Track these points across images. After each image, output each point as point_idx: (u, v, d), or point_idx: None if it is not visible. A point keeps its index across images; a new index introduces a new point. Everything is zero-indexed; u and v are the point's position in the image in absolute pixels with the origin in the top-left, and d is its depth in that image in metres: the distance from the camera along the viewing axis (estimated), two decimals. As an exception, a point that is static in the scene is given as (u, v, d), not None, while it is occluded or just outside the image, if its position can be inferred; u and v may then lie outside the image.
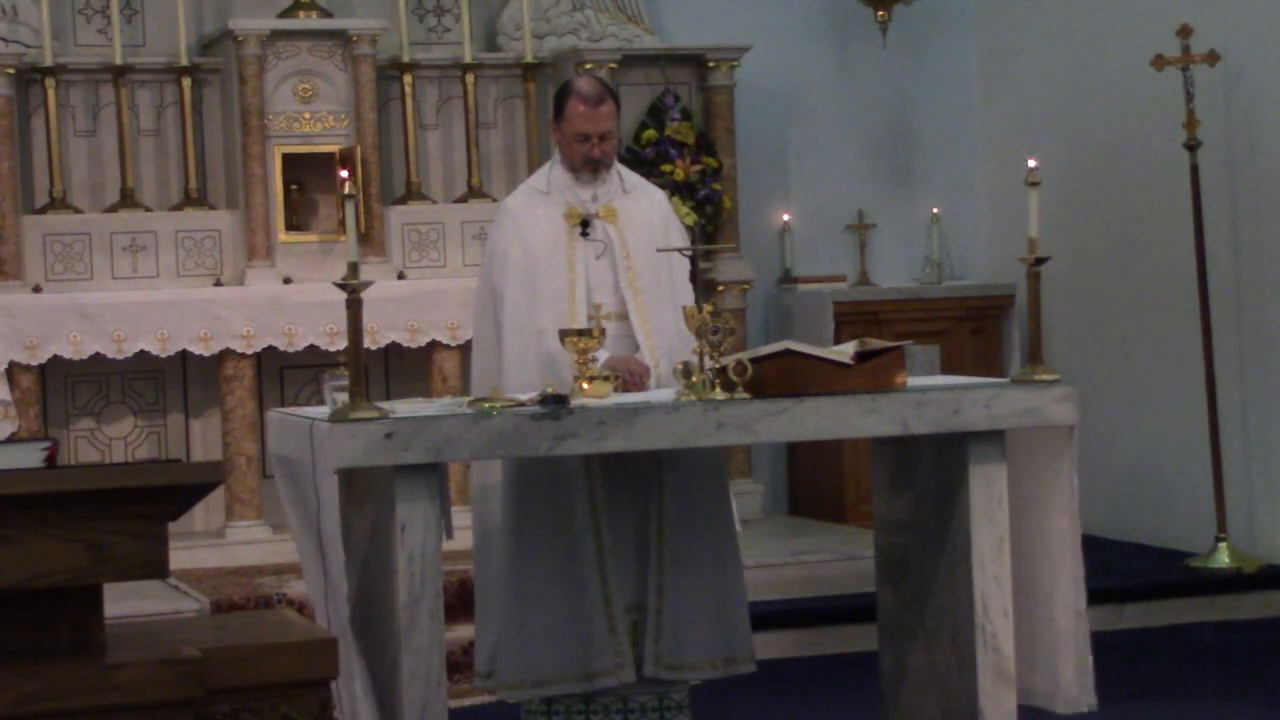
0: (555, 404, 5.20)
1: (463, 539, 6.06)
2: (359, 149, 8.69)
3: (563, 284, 5.86)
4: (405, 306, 8.58)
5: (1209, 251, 8.43)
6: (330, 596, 5.33)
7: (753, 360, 5.34)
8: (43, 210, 8.59)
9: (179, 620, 6.68)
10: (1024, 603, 5.60)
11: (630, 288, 5.90)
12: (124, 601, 6.40)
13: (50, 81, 8.54)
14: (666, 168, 9.11)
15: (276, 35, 8.70)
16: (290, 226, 8.74)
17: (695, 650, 5.84)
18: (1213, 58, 8.47)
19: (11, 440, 7.79)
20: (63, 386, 8.59)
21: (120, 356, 8.31)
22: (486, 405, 5.25)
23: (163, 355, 8.37)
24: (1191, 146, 8.44)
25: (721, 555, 5.92)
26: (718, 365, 5.31)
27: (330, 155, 8.73)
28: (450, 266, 8.96)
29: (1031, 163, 5.56)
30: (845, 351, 5.43)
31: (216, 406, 8.56)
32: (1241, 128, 8.58)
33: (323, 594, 5.44)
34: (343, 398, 5.16)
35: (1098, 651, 7.14)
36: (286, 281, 8.61)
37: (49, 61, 8.52)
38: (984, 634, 5.45)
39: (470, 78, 9.07)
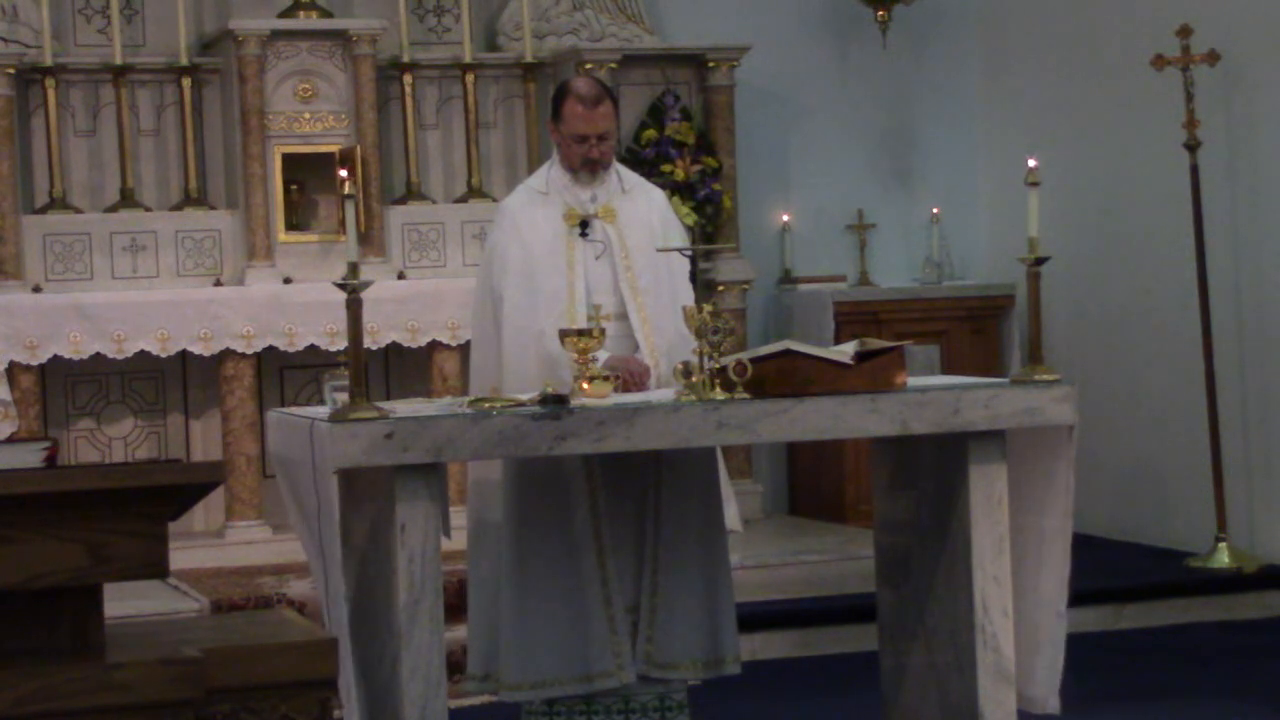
0: (555, 404, 5.20)
1: (461, 539, 6.05)
2: (359, 149, 8.69)
3: (562, 285, 5.85)
4: (405, 306, 8.58)
5: (1209, 251, 8.43)
6: (329, 597, 5.33)
7: (753, 360, 5.34)
8: (43, 210, 8.60)
9: (179, 620, 6.67)
10: (1013, 602, 5.59)
11: (630, 288, 5.89)
12: (124, 601, 6.38)
13: (50, 81, 8.54)
14: (666, 168, 9.11)
15: (276, 35, 8.70)
16: (290, 226, 8.75)
17: (684, 650, 5.84)
18: (1213, 58, 8.47)
19: (11, 440, 7.79)
20: (63, 386, 8.59)
21: (120, 356, 8.31)
22: (486, 405, 5.25)
23: (163, 355, 8.37)
24: (1191, 146, 8.44)
25: (712, 556, 5.92)
26: (718, 365, 5.31)
27: (330, 155, 8.74)
28: (450, 266, 8.96)
29: (1031, 163, 5.56)
30: (845, 351, 5.43)
31: (216, 406, 8.56)
32: (1241, 128, 8.58)
33: (327, 593, 5.43)
34: (343, 398, 5.16)
35: (1098, 652, 7.15)
36: (286, 281, 8.62)
37: (49, 61, 8.53)
38: (984, 634, 5.45)
39: (470, 78, 9.07)
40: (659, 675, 5.83)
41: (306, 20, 8.85)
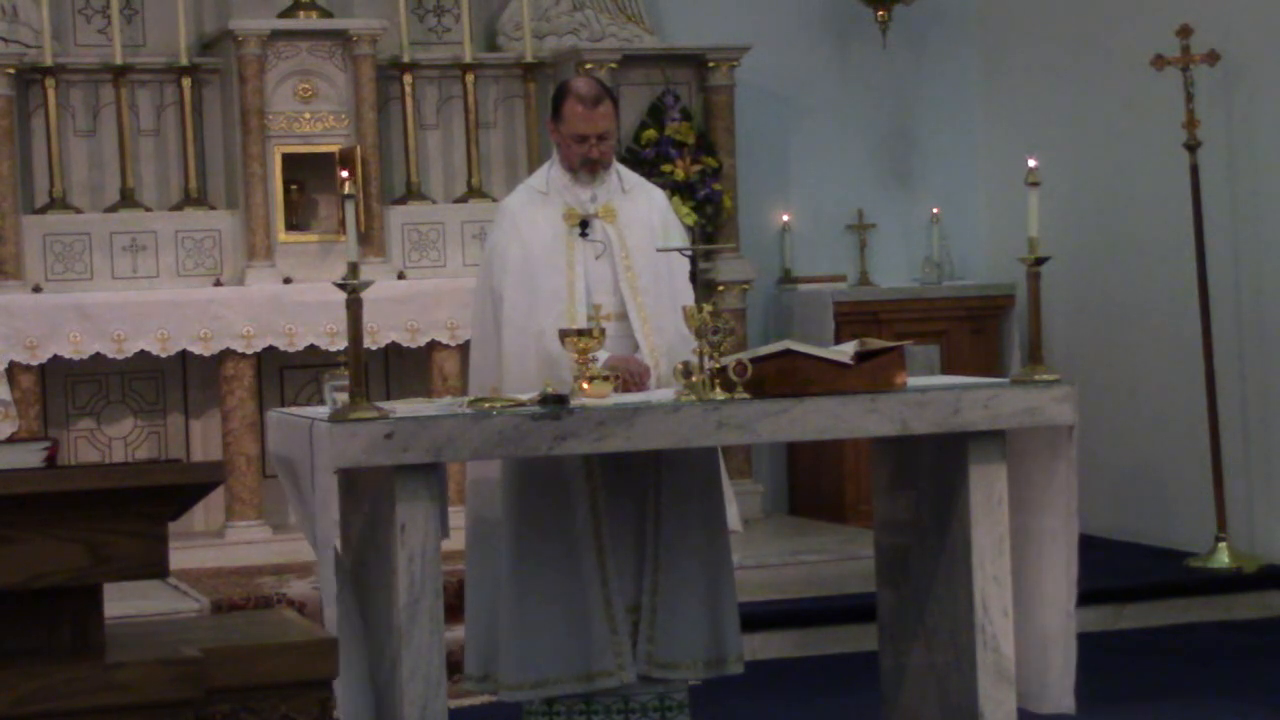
0: (555, 404, 5.20)
1: (461, 539, 6.05)
2: (359, 149, 8.69)
3: (562, 284, 5.85)
4: (405, 306, 8.58)
5: (1209, 251, 8.43)
6: (328, 596, 5.33)
7: (753, 360, 5.34)
8: (43, 210, 8.60)
9: (179, 620, 6.67)
10: (1017, 602, 5.60)
11: (630, 288, 5.89)
12: (124, 601, 6.39)
13: (50, 81, 8.54)
14: (666, 168, 9.11)
15: (276, 35, 8.70)
16: (290, 226, 8.75)
17: (685, 650, 5.83)
18: (1213, 58, 8.47)
19: (11, 440, 7.79)
20: (63, 386, 8.59)
21: (120, 356, 8.31)
22: (486, 405, 5.25)
23: (163, 355, 8.37)
24: (1191, 146, 8.44)
25: (714, 556, 5.91)
26: (718, 365, 5.31)
27: (330, 155, 8.73)
28: (450, 266, 8.96)
29: (1031, 163, 5.56)
30: (845, 351, 5.43)
31: (216, 406, 8.56)
32: (1241, 128, 8.58)
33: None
34: (343, 398, 5.16)
35: (1098, 652, 7.15)
36: (286, 281, 8.62)
37: (49, 61, 8.53)
38: (984, 634, 5.45)
39: (470, 78, 9.07)
40: (660, 675, 5.83)
41: (306, 20, 8.85)
